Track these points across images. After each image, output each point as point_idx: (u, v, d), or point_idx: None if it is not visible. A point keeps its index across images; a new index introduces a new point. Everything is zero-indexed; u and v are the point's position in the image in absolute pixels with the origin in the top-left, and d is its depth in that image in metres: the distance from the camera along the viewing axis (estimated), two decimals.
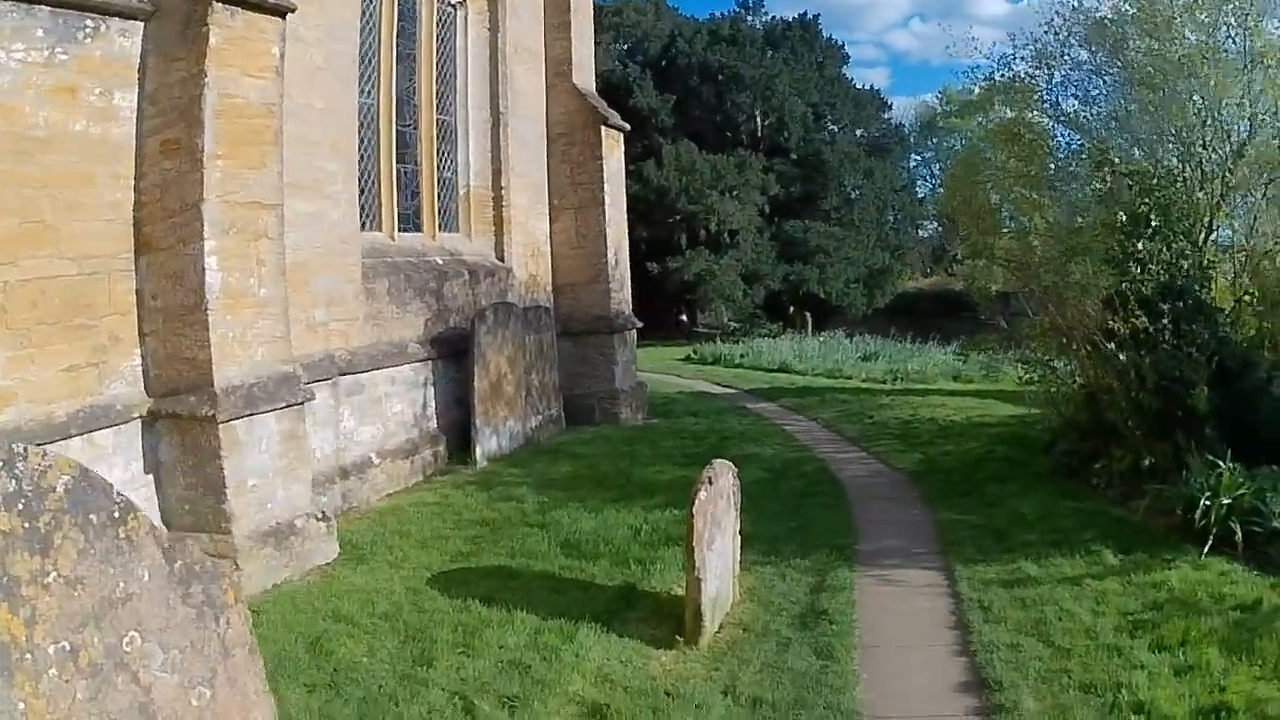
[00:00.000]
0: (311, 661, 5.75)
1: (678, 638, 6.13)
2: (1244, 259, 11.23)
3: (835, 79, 46.20)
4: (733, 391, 21.47)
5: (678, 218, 39.05)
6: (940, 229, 60.08)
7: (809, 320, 42.47)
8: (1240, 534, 7.36)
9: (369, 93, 12.13)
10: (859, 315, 43.36)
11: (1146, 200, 9.86)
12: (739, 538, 7.17)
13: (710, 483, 6.36)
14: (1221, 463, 8.02)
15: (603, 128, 15.98)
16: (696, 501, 6.13)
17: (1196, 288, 9.76)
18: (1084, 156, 12.43)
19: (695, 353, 31.43)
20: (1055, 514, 9.00)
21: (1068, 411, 11.39)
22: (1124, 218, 9.86)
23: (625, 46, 47.91)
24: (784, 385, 21.64)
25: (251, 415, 7.65)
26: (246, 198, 7.76)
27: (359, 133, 11.33)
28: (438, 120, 13.91)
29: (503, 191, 14.94)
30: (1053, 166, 12.98)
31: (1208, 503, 7.60)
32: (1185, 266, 9.75)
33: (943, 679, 5.70)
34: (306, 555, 7.91)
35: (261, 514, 7.68)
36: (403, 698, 5.26)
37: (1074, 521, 8.64)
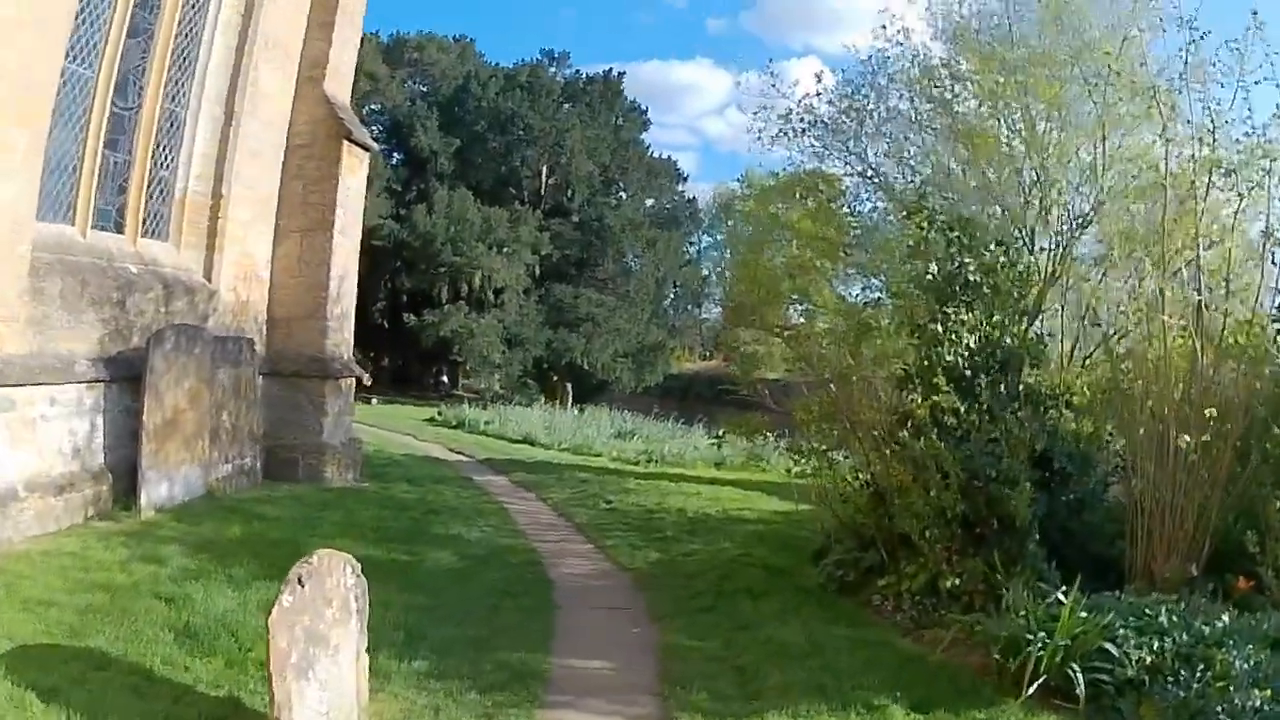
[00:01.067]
0: None
1: None
2: (1080, 336, 10.38)
3: (631, 142, 46.61)
4: (465, 460, 20.42)
5: (441, 269, 37.92)
6: (722, 311, 62.37)
7: (569, 391, 41.91)
8: (1083, 685, 5.85)
9: (87, 62, 10.60)
10: (626, 391, 43.48)
11: (968, 257, 8.50)
12: (365, 658, 5.62)
13: (302, 584, 4.85)
14: (1051, 588, 6.74)
15: (345, 142, 14.73)
16: (277, 610, 4.66)
17: (1024, 364, 8.48)
18: (890, 217, 11.56)
19: (440, 414, 30.16)
20: (824, 646, 7.27)
21: (846, 513, 9.63)
22: (935, 271, 8.47)
23: (419, 85, 46.79)
24: (523, 458, 20.70)
25: None
26: None
27: (66, 107, 10.04)
28: (165, 108, 12.38)
29: (222, 200, 13.44)
30: (855, 230, 11.96)
31: (1041, 644, 6.06)
32: (1009, 340, 8.43)
33: None
34: None
35: None
36: None
37: (850, 658, 6.95)
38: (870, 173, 12.35)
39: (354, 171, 15.11)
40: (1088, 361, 10.25)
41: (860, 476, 9.61)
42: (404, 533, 10.77)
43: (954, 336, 8.17)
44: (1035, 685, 6.02)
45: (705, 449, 23.83)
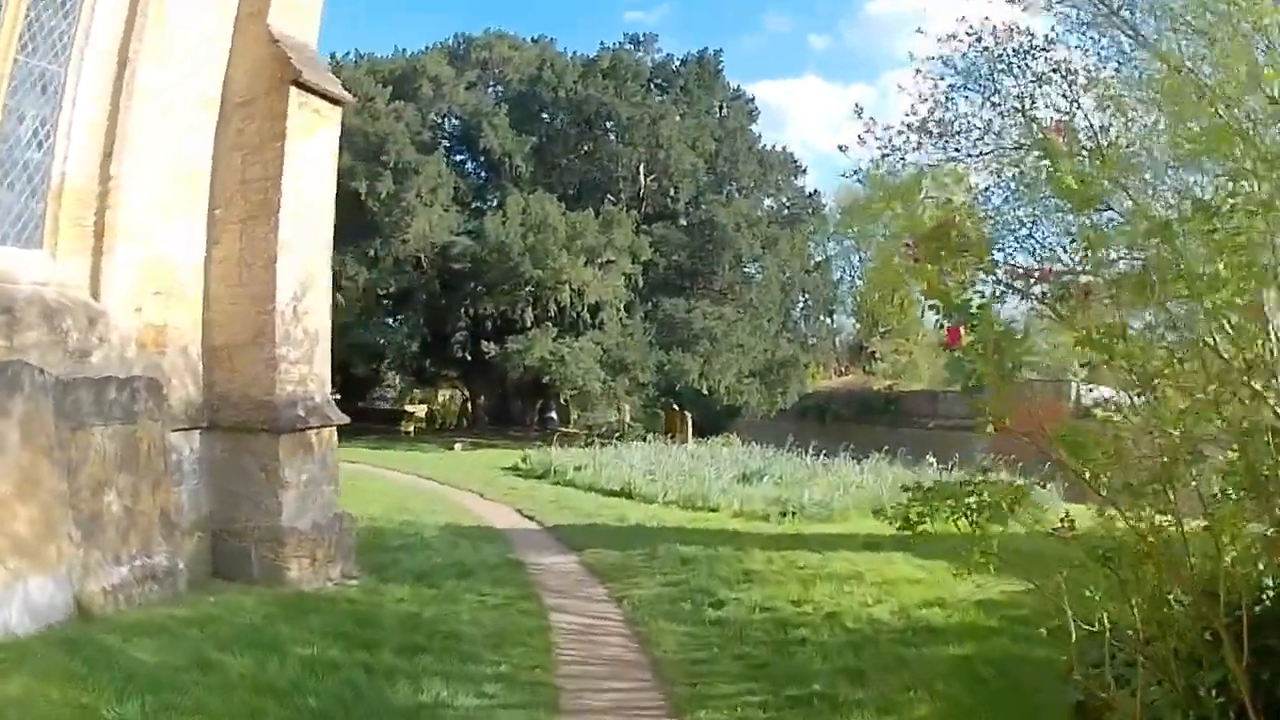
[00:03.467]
0: None
1: None
2: None
3: (738, 132, 41.70)
4: (532, 529, 16.17)
5: (522, 285, 33.72)
6: (857, 324, 57.63)
7: (688, 421, 37.34)
8: None
9: None
10: (758, 415, 39.63)
11: None
12: None
13: None
14: None
15: (294, 90, 10.66)
16: None
17: None
18: None
19: (525, 461, 25.78)
20: None
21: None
22: None
23: (489, 86, 43.24)
24: (610, 522, 16.22)
25: None
26: None
27: None
28: (30, 65, 9.09)
29: (112, 183, 9.58)
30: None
31: None
32: None
33: None
34: None
35: None
36: None
37: None
38: None
39: (309, 132, 11.13)
40: None
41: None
42: (328, 712, 6.27)
43: None
44: None
45: (862, 488, 19.09)
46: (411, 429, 41.16)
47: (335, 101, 11.45)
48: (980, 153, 11.51)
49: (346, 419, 11.90)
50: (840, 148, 12.21)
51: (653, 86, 40.62)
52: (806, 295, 42.97)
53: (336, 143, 11.76)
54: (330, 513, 11.04)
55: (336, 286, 34.93)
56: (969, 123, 11.65)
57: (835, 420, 44.35)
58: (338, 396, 47.08)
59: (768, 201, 43.02)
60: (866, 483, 20.52)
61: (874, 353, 53.95)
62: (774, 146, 43.44)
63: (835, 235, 53.45)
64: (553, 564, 12.74)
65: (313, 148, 11.07)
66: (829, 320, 49.88)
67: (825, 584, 10.66)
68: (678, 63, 42.36)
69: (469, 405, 47.30)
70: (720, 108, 42.40)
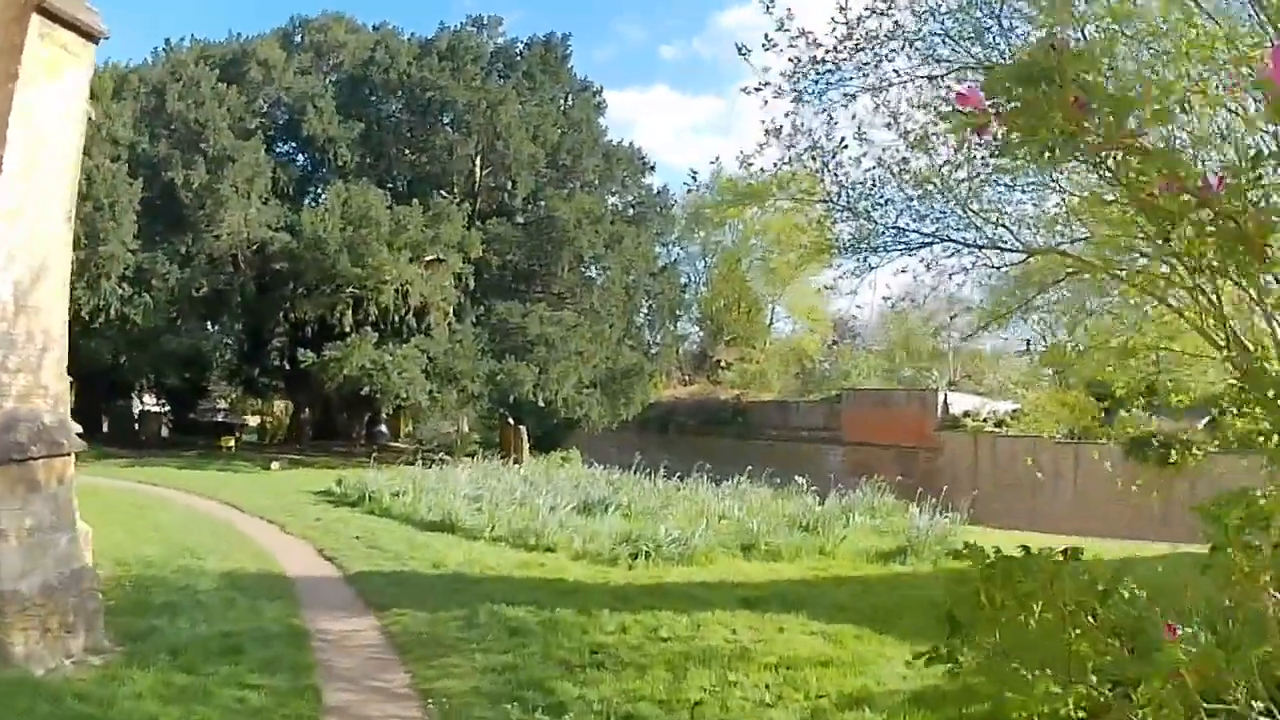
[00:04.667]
0: None
1: None
2: None
3: (584, 124, 39.21)
4: (331, 576, 13.72)
5: (341, 286, 30.66)
6: (701, 332, 56.45)
7: (524, 436, 34.88)
8: None
9: None
10: (598, 428, 37.61)
11: None
12: None
13: None
14: None
15: (37, 18, 8.01)
16: None
17: None
18: None
19: (340, 485, 22.94)
20: None
21: None
22: None
23: (322, 70, 39.99)
24: (423, 570, 13.82)
25: None
26: None
27: None
28: None
29: None
30: None
31: None
32: None
33: None
34: None
35: None
36: None
37: None
38: None
39: (54, 72, 8.38)
40: None
41: None
42: None
43: None
44: None
45: (726, 520, 17.24)
46: (232, 444, 37.48)
47: (88, 35, 8.80)
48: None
49: (83, 445, 9.56)
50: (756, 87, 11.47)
51: (494, 71, 37.94)
52: (651, 300, 40.90)
53: (88, 89, 9.20)
54: (67, 569, 8.45)
55: (144, 286, 32.18)
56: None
57: (680, 432, 42.68)
58: (157, 408, 42.74)
59: (612, 200, 40.76)
60: (730, 511, 18.72)
61: (719, 361, 52.63)
62: (621, 141, 41.27)
63: (681, 240, 52.62)
64: (346, 633, 10.27)
65: (57, 91, 8.46)
66: (674, 327, 48.13)
67: (701, 670, 8.51)
68: (522, 46, 39.71)
69: (296, 418, 43.84)
70: (566, 97, 39.91)
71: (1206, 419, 29.28)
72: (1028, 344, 39.10)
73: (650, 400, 40.91)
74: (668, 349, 44.83)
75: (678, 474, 24.05)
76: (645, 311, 41.30)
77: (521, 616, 10.36)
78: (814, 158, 11.76)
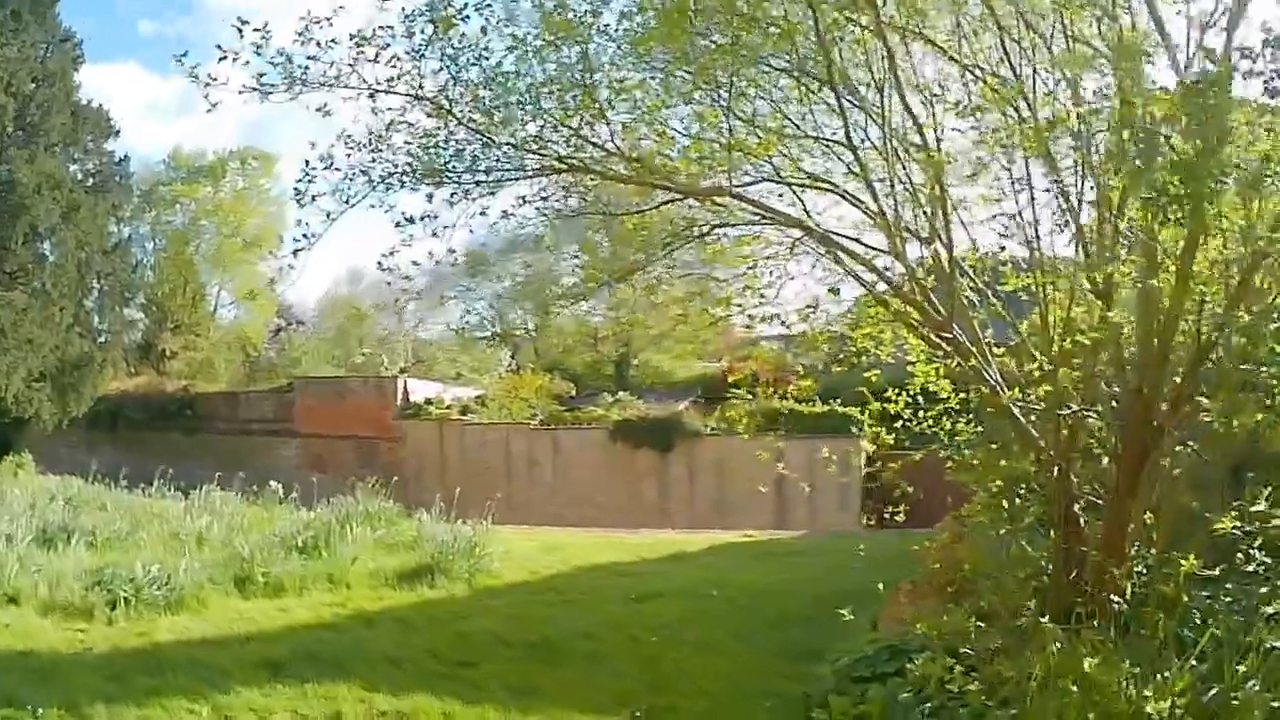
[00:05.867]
0: None
1: None
2: None
3: (60, 76, 34.35)
4: None
5: None
6: (146, 318, 52.31)
7: None
8: None
9: None
10: (49, 428, 33.07)
11: None
12: None
13: None
14: None
15: None
16: None
17: None
18: None
19: None
20: None
21: None
22: None
23: None
24: None
25: None
26: None
27: None
28: None
29: None
30: None
31: None
32: None
33: None
34: None
35: None
36: None
37: None
38: None
39: None
40: None
41: None
42: None
43: None
44: None
45: (210, 552, 15.37)
46: None
47: None
48: None
49: None
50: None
51: None
52: (102, 281, 36.91)
53: None
54: None
55: None
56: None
57: (129, 427, 39.33)
58: None
59: (74, 166, 36.30)
60: (209, 532, 16.29)
61: (165, 350, 49.39)
62: (90, 101, 36.79)
63: (133, 218, 48.25)
64: None
65: None
66: (123, 312, 44.16)
67: None
68: None
69: None
70: (48, 47, 34.87)
71: (689, 400, 31.82)
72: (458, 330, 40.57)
73: (98, 394, 37.37)
74: (117, 336, 41.00)
75: (140, 483, 21.30)
76: (96, 294, 37.41)
77: None
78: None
